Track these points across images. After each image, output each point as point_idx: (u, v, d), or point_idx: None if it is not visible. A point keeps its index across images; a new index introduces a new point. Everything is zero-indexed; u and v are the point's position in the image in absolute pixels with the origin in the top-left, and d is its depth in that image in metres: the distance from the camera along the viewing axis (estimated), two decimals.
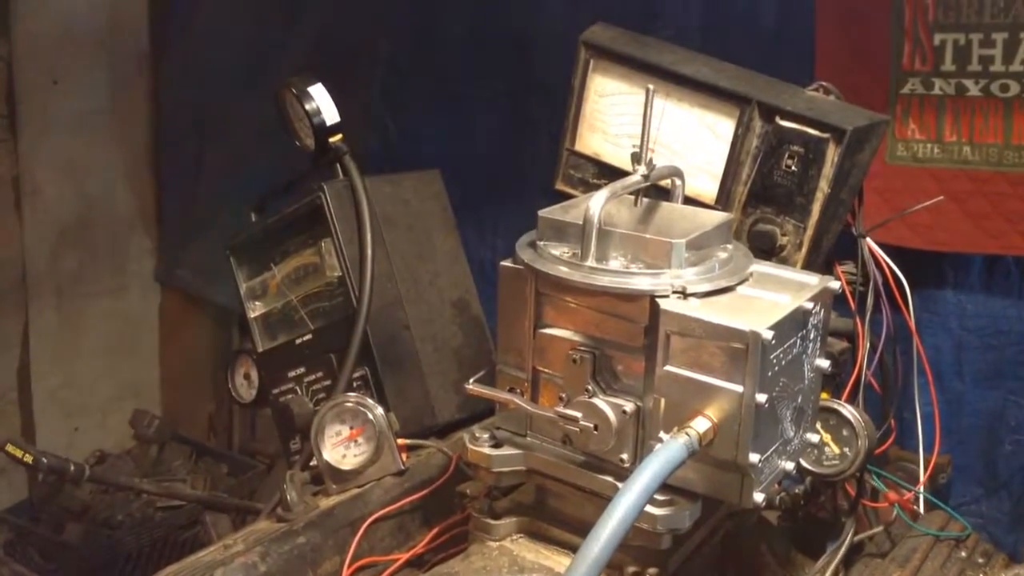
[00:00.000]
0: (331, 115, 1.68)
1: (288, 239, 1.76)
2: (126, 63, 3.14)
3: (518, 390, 1.17)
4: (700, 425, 1.01)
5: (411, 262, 1.69)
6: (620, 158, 1.48)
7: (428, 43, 2.54)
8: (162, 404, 3.35)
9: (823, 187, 1.35)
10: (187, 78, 3.11)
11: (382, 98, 2.65)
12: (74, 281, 3.08)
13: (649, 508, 1.03)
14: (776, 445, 1.08)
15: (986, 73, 1.75)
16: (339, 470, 1.43)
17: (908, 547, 1.44)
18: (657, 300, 1.04)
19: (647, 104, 1.19)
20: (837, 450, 1.31)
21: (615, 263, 1.10)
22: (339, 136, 1.68)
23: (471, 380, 1.20)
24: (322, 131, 1.67)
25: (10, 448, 2.13)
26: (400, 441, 1.47)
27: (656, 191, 1.26)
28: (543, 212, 1.17)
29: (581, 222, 1.10)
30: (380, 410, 1.45)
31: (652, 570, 1.10)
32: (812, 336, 1.11)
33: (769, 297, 1.09)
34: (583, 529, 0.89)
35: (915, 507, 1.56)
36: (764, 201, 1.40)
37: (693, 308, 1.03)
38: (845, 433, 1.31)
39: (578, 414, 1.10)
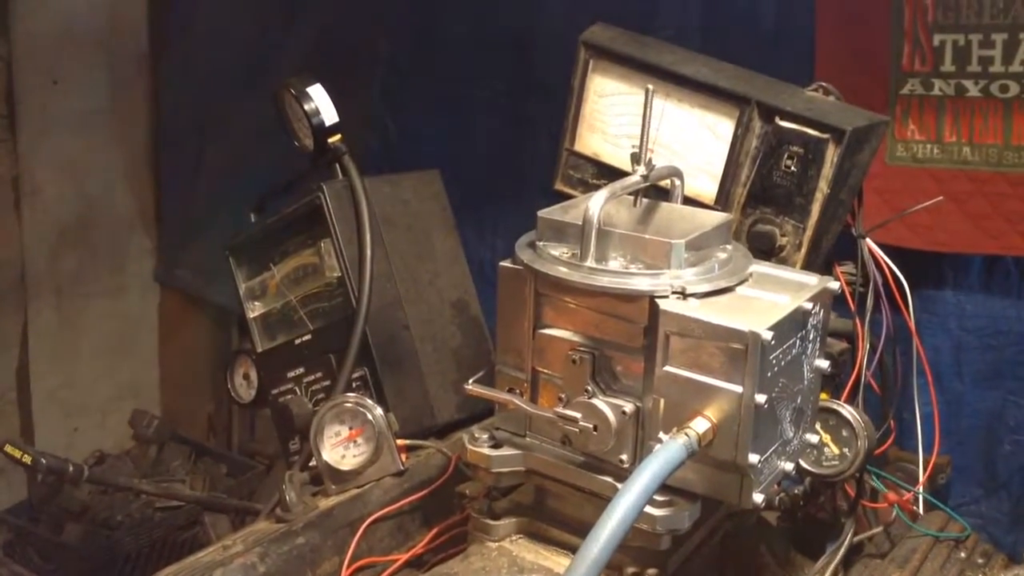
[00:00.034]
0: (330, 115, 1.68)
1: (287, 239, 1.76)
2: (126, 63, 3.14)
3: (517, 390, 1.17)
4: (699, 426, 1.01)
5: (410, 262, 1.69)
6: (619, 158, 1.48)
7: (428, 43, 2.54)
8: (161, 404, 3.35)
9: (822, 187, 1.35)
10: (187, 78, 3.11)
11: (382, 98, 2.65)
12: (73, 281, 3.09)
13: (648, 509, 1.03)
14: (775, 446, 1.07)
15: (985, 74, 1.75)
16: (338, 470, 1.43)
17: (907, 548, 1.44)
18: (656, 300, 1.04)
19: (646, 104, 1.19)
20: (836, 451, 1.31)
21: (614, 263, 1.10)
22: (338, 136, 1.68)
23: (470, 380, 1.20)
24: (321, 131, 1.67)
25: (9, 448, 2.13)
26: (399, 441, 1.47)
27: (655, 191, 1.26)
28: (542, 212, 1.17)
29: (580, 222, 1.09)
30: (379, 410, 1.44)
31: (651, 571, 1.10)
32: (811, 337, 1.11)
33: (768, 298, 1.09)
34: (582, 530, 0.89)
35: (914, 507, 1.56)
36: (763, 201, 1.40)
37: (692, 308, 1.03)
38: (844, 434, 1.30)
39: (577, 415, 1.09)
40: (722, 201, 1.41)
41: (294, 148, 1.74)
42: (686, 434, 0.99)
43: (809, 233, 1.37)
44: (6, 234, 2.89)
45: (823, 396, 1.28)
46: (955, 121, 1.80)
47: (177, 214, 3.24)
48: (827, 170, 1.34)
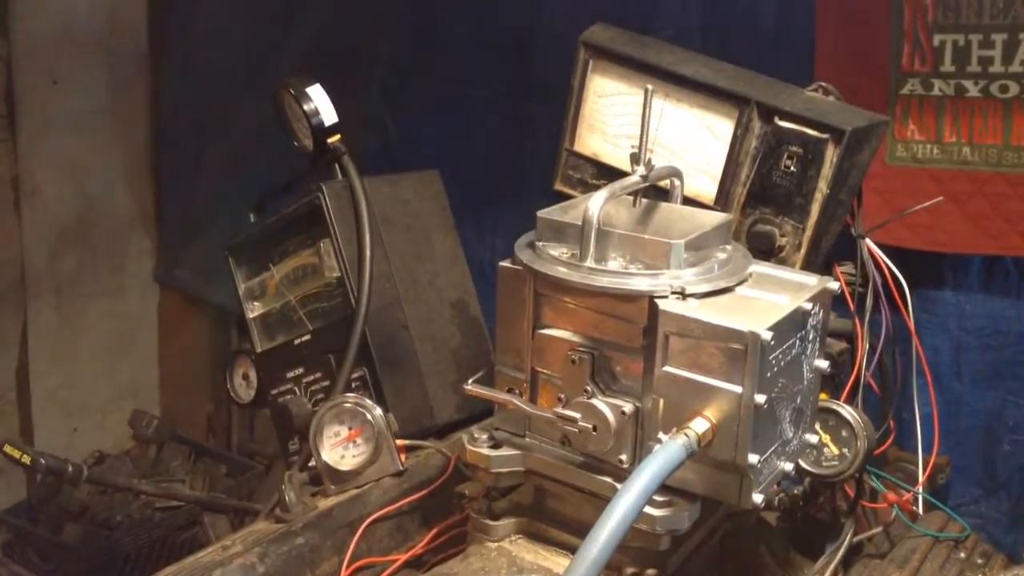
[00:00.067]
0: (329, 116, 1.68)
1: (287, 239, 1.76)
2: (126, 63, 3.14)
3: (517, 391, 1.17)
4: (699, 426, 1.00)
5: (410, 262, 1.69)
6: (619, 158, 1.48)
7: (428, 43, 2.54)
8: (161, 404, 3.35)
9: (822, 188, 1.35)
10: (187, 78, 3.11)
11: (382, 98, 2.65)
12: (73, 281, 3.09)
13: (648, 509, 1.02)
14: (775, 446, 1.07)
15: (985, 74, 1.75)
16: (338, 471, 1.43)
17: (907, 548, 1.44)
18: (656, 301, 1.04)
19: (646, 104, 1.19)
20: (836, 451, 1.31)
21: (614, 264, 1.10)
22: (337, 136, 1.68)
23: (470, 381, 1.20)
24: (320, 132, 1.67)
25: (8, 449, 2.13)
26: (399, 442, 1.47)
27: (655, 191, 1.26)
28: (542, 212, 1.17)
29: (580, 223, 1.09)
30: (379, 411, 1.44)
31: (651, 571, 1.10)
32: (811, 337, 1.11)
33: (768, 298, 1.09)
34: (582, 530, 0.89)
35: (914, 508, 1.56)
36: (763, 202, 1.40)
37: (692, 309, 1.03)
38: (844, 434, 1.30)
39: (577, 415, 1.09)
40: (721, 201, 1.41)
41: (294, 148, 1.74)
42: (685, 434, 0.99)
43: (809, 233, 1.37)
44: (6, 234, 2.89)
45: (823, 396, 1.28)
46: (955, 121, 1.80)
47: (177, 214, 3.24)
48: (827, 170, 1.34)
